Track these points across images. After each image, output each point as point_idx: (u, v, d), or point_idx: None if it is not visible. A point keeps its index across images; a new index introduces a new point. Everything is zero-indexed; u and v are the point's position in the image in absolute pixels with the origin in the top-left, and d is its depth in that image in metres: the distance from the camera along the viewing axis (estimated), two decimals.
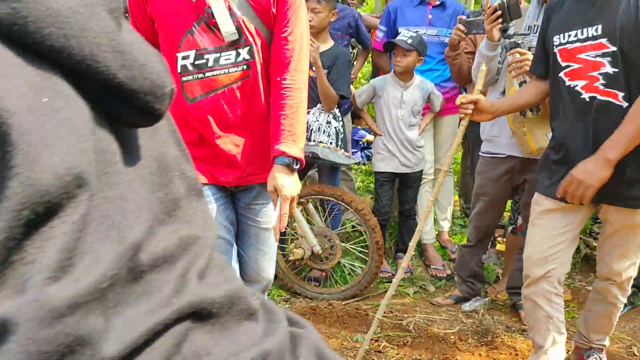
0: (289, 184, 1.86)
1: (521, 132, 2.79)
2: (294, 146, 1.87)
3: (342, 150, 3.62)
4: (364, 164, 5.55)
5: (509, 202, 3.59)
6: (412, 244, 2.47)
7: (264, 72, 1.93)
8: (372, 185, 4.09)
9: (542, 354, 2.38)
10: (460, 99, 2.37)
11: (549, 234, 2.33)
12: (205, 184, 1.97)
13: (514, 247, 3.34)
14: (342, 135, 3.67)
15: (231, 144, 1.95)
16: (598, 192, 2.10)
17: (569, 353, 2.76)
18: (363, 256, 3.65)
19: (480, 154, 3.24)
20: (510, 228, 3.52)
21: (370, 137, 5.36)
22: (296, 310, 3.33)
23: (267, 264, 2.16)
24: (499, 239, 4.16)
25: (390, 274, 3.78)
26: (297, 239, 3.51)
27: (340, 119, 3.66)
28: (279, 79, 1.91)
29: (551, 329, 2.35)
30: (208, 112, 1.90)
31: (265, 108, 1.96)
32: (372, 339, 2.94)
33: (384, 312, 3.28)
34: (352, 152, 4.67)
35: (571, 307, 3.34)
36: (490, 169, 3.14)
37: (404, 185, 3.89)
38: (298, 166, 1.90)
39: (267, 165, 1.94)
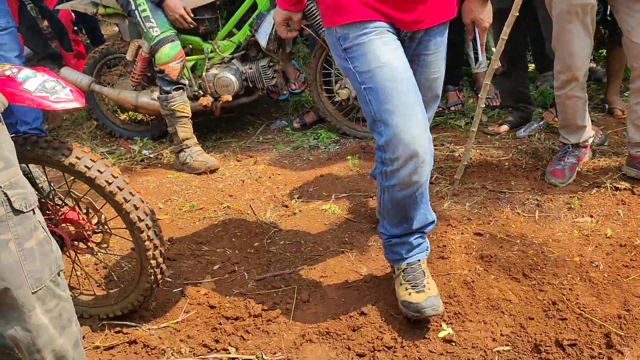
0: (486, 15, 1.90)
1: None
2: None
3: None
4: None
5: None
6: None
7: None
8: None
9: (585, 130, 2.69)
10: None
11: (582, 35, 2.42)
12: (379, 21, 1.75)
13: None
14: None
15: None
16: None
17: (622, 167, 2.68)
18: None
19: None
20: None
21: None
22: (347, 150, 3.34)
23: (434, 105, 2.13)
24: None
25: (440, 108, 3.67)
26: (342, 79, 3.41)
27: None
28: None
29: (586, 108, 2.64)
30: None
31: None
32: None
33: (434, 145, 3.24)
34: None
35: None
36: None
37: None
38: None
39: (441, 6, 1.81)
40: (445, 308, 1.98)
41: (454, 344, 1.84)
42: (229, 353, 1.90)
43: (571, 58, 2.49)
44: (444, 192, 2.71)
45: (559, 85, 2.59)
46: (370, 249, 2.35)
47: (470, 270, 2.15)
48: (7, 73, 1.62)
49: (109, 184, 1.78)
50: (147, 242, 1.87)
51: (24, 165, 1.92)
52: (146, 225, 1.85)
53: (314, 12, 3.23)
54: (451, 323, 1.92)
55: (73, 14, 4.86)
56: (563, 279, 2.05)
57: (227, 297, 2.16)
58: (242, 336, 1.98)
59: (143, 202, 1.85)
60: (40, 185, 1.96)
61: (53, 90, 1.61)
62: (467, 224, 2.44)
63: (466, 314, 1.95)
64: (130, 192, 1.82)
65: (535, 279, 2.07)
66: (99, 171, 1.77)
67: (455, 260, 2.22)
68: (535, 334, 1.84)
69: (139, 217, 1.83)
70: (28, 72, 1.64)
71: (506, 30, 2.33)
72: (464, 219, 2.48)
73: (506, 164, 2.94)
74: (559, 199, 2.57)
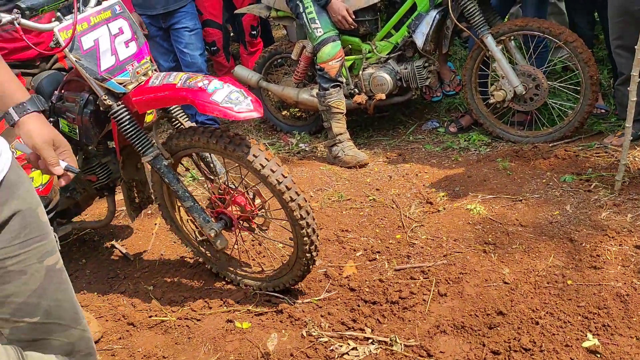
0: None
1: None
2: None
3: None
4: None
5: None
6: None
7: None
8: None
9: None
10: None
11: None
12: None
13: None
14: None
15: None
16: None
17: None
18: (575, 95, 3.34)
19: None
20: None
21: None
22: (497, 153, 3.26)
23: None
24: None
25: (604, 110, 3.42)
26: (498, 80, 3.34)
27: None
28: None
29: None
30: None
31: None
32: (581, 180, 2.78)
33: (596, 153, 3.04)
34: None
35: None
36: None
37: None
38: None
39: None
40: (593, 319, 1.87)
41: (599, 355, 1.75)
42: (365, 333, 2.00)
43: None
44: (604, 202, 2.54)
45: None
46: (514, 252, 2.29)
47: (625, 283, 2.00)
48: (199, 85, 1.86)
49: (279, 183, 1.96)
50: (305, 238, 2.03)
51: (207, 154, 2.19)
52: (307, 223, 2.01)
53: (474, 12, 3.21)
54: (598, 334, 1.82)
55: (257, 20, 5.31)
56: None
57: (367, 282, 2.26)
58: (378, 319, 2.07)
59: (306, 201, 2.01)
60: (216, 170, 2.24)
61: (237, 101, 1.82)
62: (628, 236, 2.27)
63: (616, 327, 1.83)
64: (297, 192, 1.98)
65: None
66: (271, 170, 1.95)
67: (610, 271, 2.08)
68: None
69: (301, 215, 1.99)
70: (217, 83, 1.86)
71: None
72: (624, 230, 2.31)
73: None
74: None
